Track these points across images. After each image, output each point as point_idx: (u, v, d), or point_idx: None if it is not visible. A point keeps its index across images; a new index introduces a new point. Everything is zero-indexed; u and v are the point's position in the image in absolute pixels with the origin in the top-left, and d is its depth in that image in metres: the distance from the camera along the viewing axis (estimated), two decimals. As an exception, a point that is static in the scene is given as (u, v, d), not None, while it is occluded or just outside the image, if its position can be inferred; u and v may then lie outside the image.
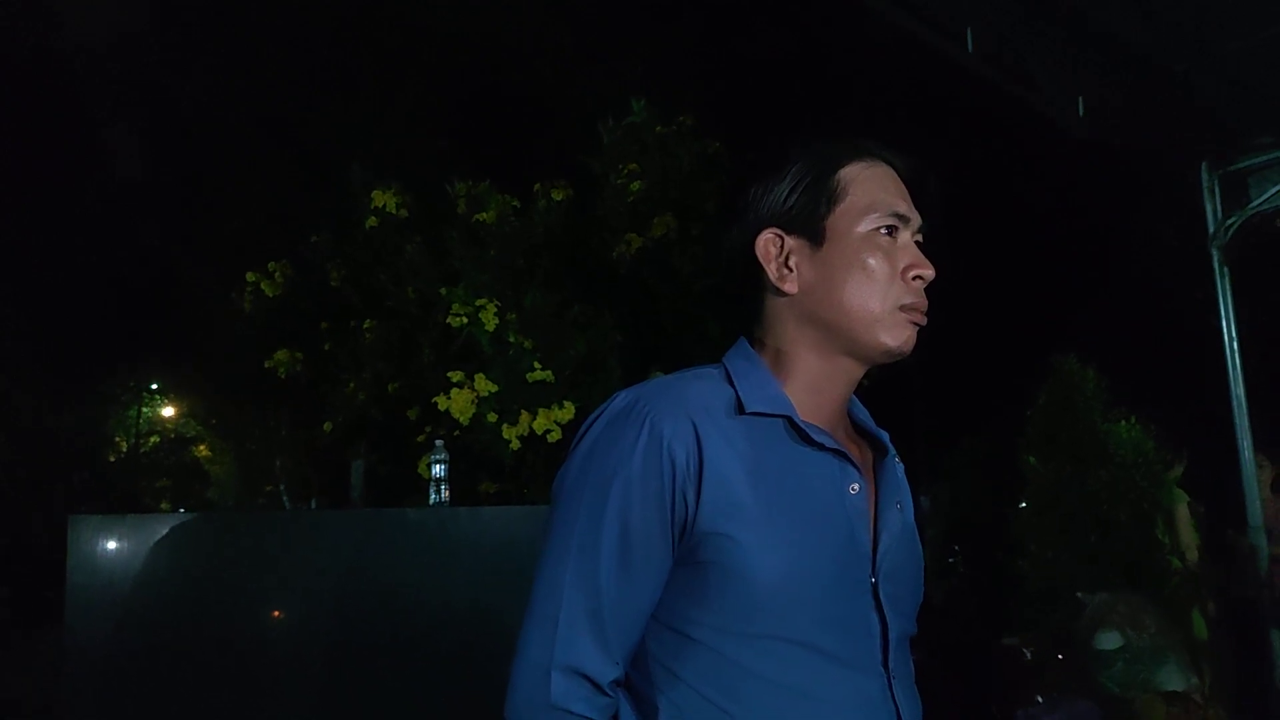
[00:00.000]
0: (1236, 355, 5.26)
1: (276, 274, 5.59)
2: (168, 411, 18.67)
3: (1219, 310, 5.27)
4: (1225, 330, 5.28)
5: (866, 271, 1.21)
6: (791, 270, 1.24)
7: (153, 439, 18.73)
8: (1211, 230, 5.23)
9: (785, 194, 1.24)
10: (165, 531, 2.68)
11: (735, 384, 1.22)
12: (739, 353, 1.28)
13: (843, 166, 1.24)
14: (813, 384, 1.24)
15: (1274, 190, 5.04)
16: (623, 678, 1.17)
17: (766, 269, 1.24)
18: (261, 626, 2.82)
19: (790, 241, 1.24)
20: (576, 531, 1.15)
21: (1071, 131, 4.60)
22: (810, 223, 1.23)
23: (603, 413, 1.20)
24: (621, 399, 1.20)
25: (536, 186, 5.25)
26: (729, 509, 1.13)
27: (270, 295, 5.59)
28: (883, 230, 1.22)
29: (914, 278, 1.23)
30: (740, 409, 1.19)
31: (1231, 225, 5.17)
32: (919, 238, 1.26)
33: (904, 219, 1.24)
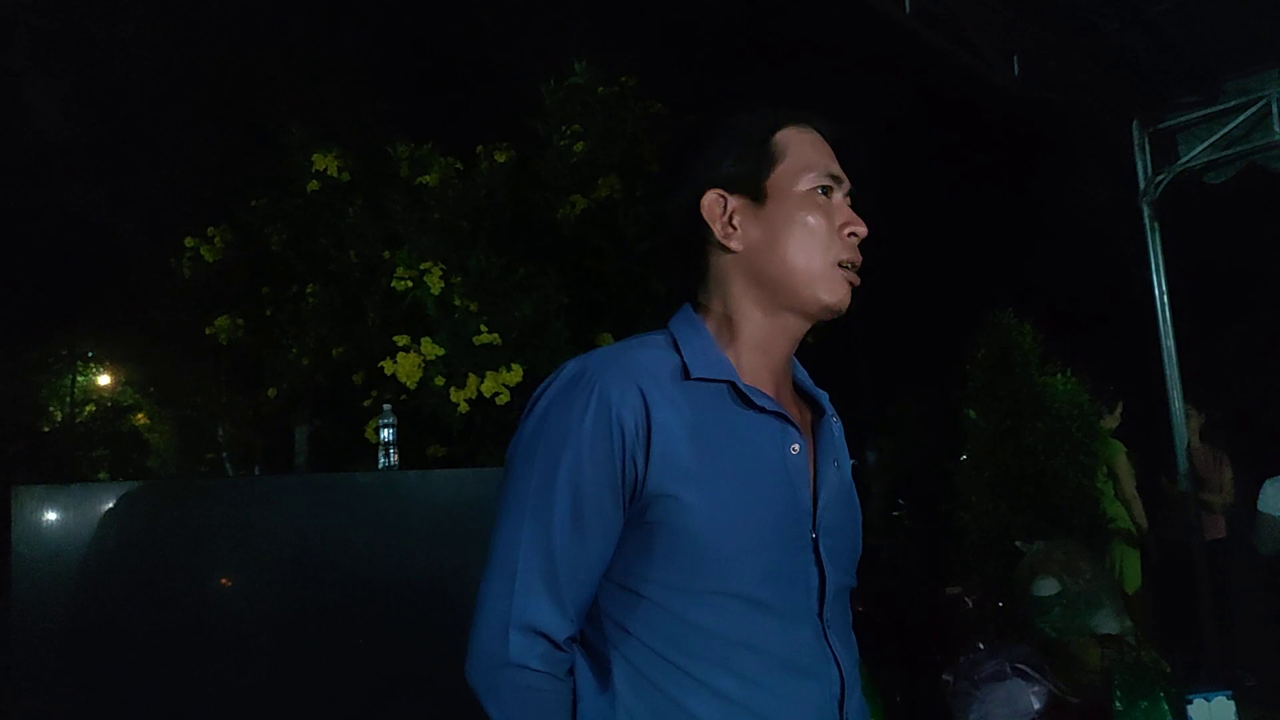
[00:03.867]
0: (1166, 308, 5.43)
1: (216, 239, 5.48)
2: (104, 380, 18.26)
3: (1149, 264, 5.42)
4: (1155, 284, 5.43)
5: (807, 228, 1.27)
6: (736, 229, 1.29)
7: (88, 408, 18.31)
8: (1142, 186, 5.37)
9: (726, 157, 1.30)
10: (112, 501, 2.65)
11: (680, 350, 1.26)
12: (683, 319, 1.32)
13: (779, 129, 1.31)
14: (758, 343, 1.29)
15: (1202, 147, 5.18)
16: (577, 634, 1.23)
17: (712, 227, 1.29)
18: (213, 594, 2.81)
19: (733, 201, 1.29)
20: (530, 496, 1.19)
21: (1007, 90, 4.67)
22: (752, 182, 1.29)
23: (553, 381, 1.24)
24: (571, 367, 1.24)
25: (479, 148, 5.20)
26: (676, 471, 1.18)
27: (210, 261, 5.49)
28: (819, 189, 1.29)
29: (849, 234, 1.29)
30: (685, 374, 1.24)
31: (1161, 181, 5.31)
32: (849, 200, 1.33)
33: (838, 180, 1.31)
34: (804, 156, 1.29)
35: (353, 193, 5.16)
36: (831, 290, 1.27)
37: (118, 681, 2.58)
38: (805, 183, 1.28)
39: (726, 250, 1.29)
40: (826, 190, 1.29)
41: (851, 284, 1.30)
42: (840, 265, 1.28)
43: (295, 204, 5.36)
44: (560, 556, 1.18)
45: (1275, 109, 4.91)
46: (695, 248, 1.32)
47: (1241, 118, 5.04)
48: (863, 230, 1.30)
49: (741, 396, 1.25)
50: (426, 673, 2.85)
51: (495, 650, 1.18)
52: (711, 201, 1.29)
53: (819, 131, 1.34)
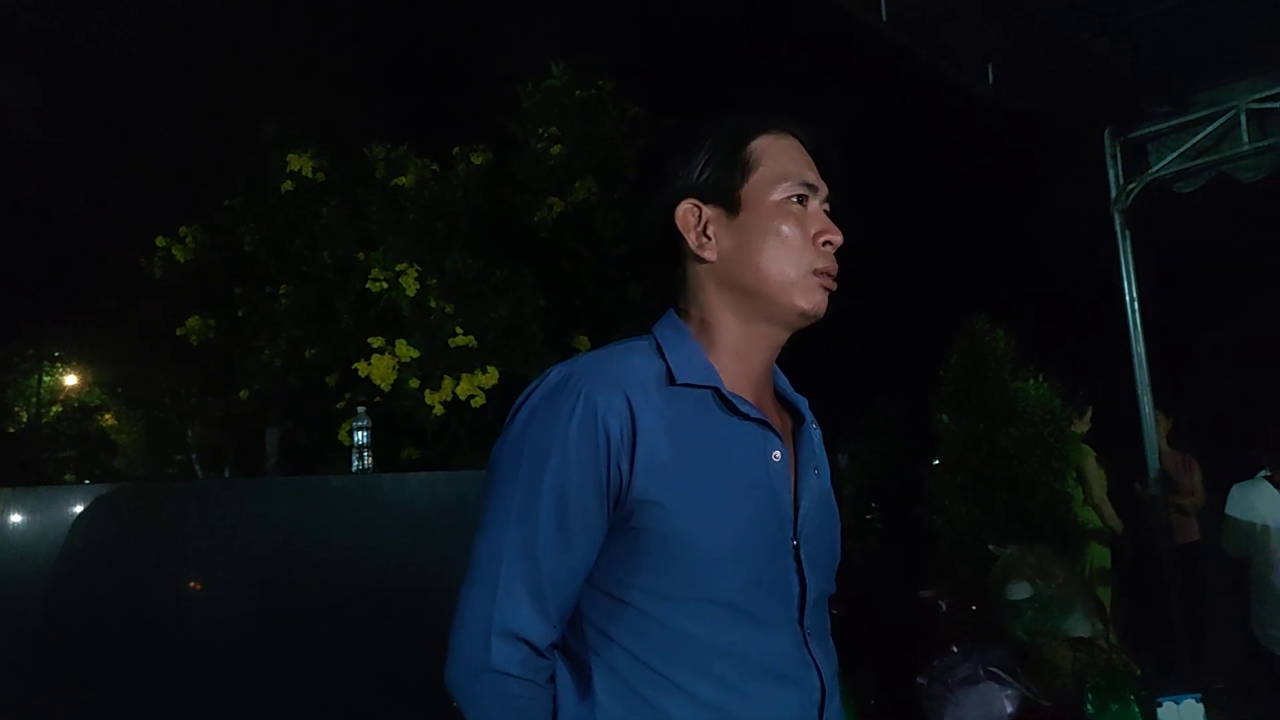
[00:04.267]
0: (1137, 315, 5.48)
1: (188, 238, 5.43)
2: (70, 380, 18.03)
3: (1121, 271, 5.48)
4: (1127, 291, 5.49)
5: (780, 237, 1.27)
6: (710, 239, 1.29)
7: (55, 409, 18.07)
8: (1114, 195, 5.43)
9: (700, 167, 1.30)
10: (80, 504, 2.62)
11: (665, 356, 1.26)
12: (668, 324, 1.32)
13: (754, 139, 1.30)
14: (736, 350, 1.30)
15: (1172, 157, 5.24)
16: (559, 640, 1.22)
17: (686, 238, 1.29)
18: (184, 598, 2.78)
19: (708, 211, 1.29)
20: (514, 501, 1.19)
21: (981, 98, 4.70)
22: (726, 193, 1.29)
23: (538, 386, 1.24)
24: (557, 373, 1.24)
25: (456, 150, 5.19)
26: (660, 478, 1.18)
27: (182, 260, 5.44)
28: (794, 199, 1.29)
29: (824, 243, 1.29)
30: (670, 380, 1.24)
31: (1132, 190, 5.37)
32: (826, 206, 1.32)
33: (813, 188, 1.31)
34: (778, 165, 1.29)
35: (328, 193, 5.13)
36: (807, 297, 1.28)
37: (87, 686, 2.55)
38: (779, 192, 1.28)
39: (701, 260, 1.29)
40: (802, 199, 1.29)
41: (827, 289, 1.30)
42: (815, 273, 1.28)
43: (269, 204, 5.32)
44: (544, 562, 1.18)
45: (1244, 120, 4.98)
46: (672, 257, 1.32)
47: (1211, 128, 5.10)
48: (838, 239, 1.30)
49: (725, 403, 1.25)
50: (403, 677, 2.83)
51: (476, 656, 1.17)
52: (685, 212, 1.29)
53: (797, 138, 1.34)
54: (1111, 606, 5.27)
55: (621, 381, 1.20)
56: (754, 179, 1.28)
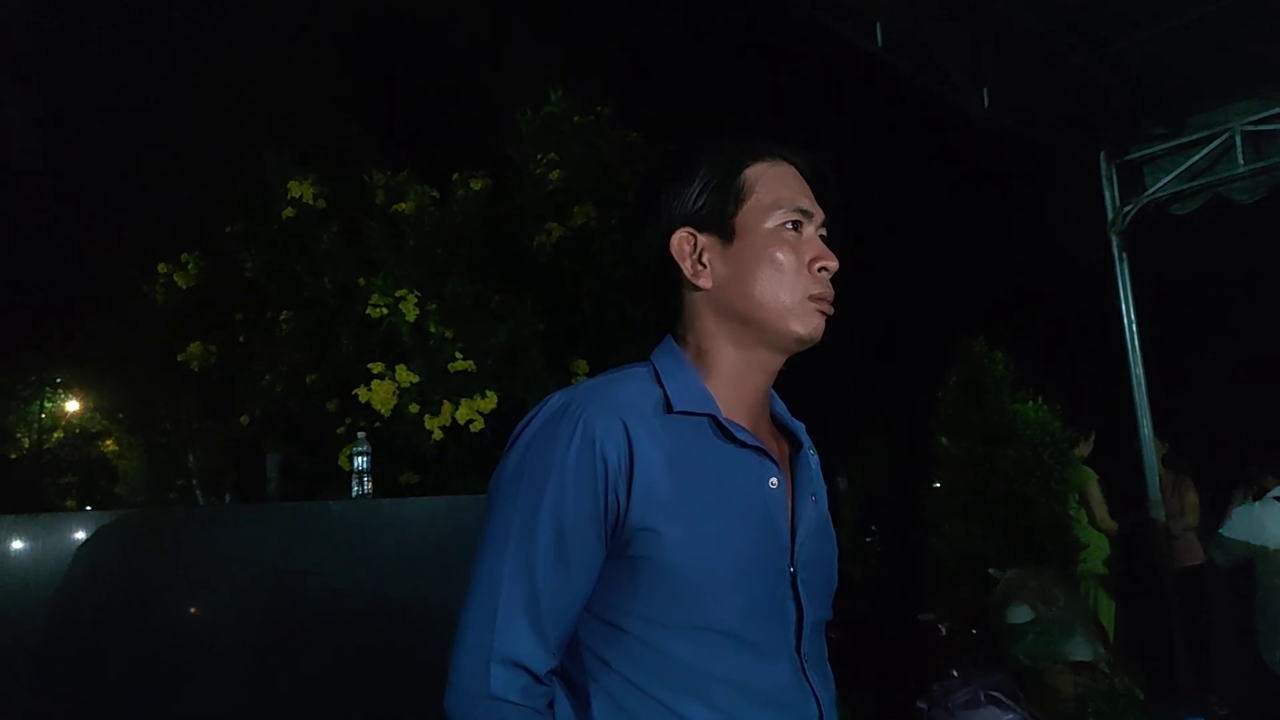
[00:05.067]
0: (1135, 337, 5.49)
1: (189, 265, 5.46)
2: (72, 406, 18.01)
3: (1119, 293, 5.49)
4: (1125, 313, 5.50)
5: (775, 265, 1.27)
6: (705, 266, 1.30)
7: (56, 434, 18.05)
8: (1110, 217, 5.45)
9: (695, 195, 1.30)
10: (82, 530, 2.62)
11: (663, 383, 1.27)
12: (665, 351, 1.33)
13: (747, 166, 1.31)
14: (733, 377, 1.30)
15: (1168, 179, 5.27)
16: (558, 667, 1.22)
17: (682, 266, 1.30)
18: (185, 625, 2.78)
19: (702, 239, 1.30)
20: (513, 528, 1.19)
21: (978, 121, 4.73)
22: (720, 221, 1.29)
23: (537, 414, 1.24)
24: (556, 400, 1.24)
25: (455, 176, 5.22)
26: (658, 505, 1.18)
27: (183, 287, 5.47)
28: (788, 225, 1.29)
29: (819, 269, 1.29)
30: (668, 408, 1.24)
31: (1129, 212, 5.39)
32: (823, 231, 1.33)
33: (808, 214, 1.31)
34: (773, 192, 1.30)
35: (328, 220, 5.15)
36: (803, 322, 1.28)
37: (89, 713, 2.54)
38: (774, 219, 1.28)
39: (697, 288, 1.30)
40: (797, 225, 1.29)
41: (824, 314, 1.30)
42: (811, 299, 1.29)
43: (270, 230, 5.34)
44: (543, 589, 1.18)
45: (1239, 141, 5.01)
46: (668, 284, 1.33)
47: (1206, 150, 5.13)
48: (833, 264, 1.30)
49: (722, 430, 1.26)
50: (401, 702, 2.82)
51: (476, 683, 1.17)
52: (680, 240, 1.30)
53: (792, 164, 1.34)
54: (1114, 630, 5.25)
55: (619, 409, 1.21)
56: (748, 206, 1.29)
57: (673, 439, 1.22)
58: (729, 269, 1.29)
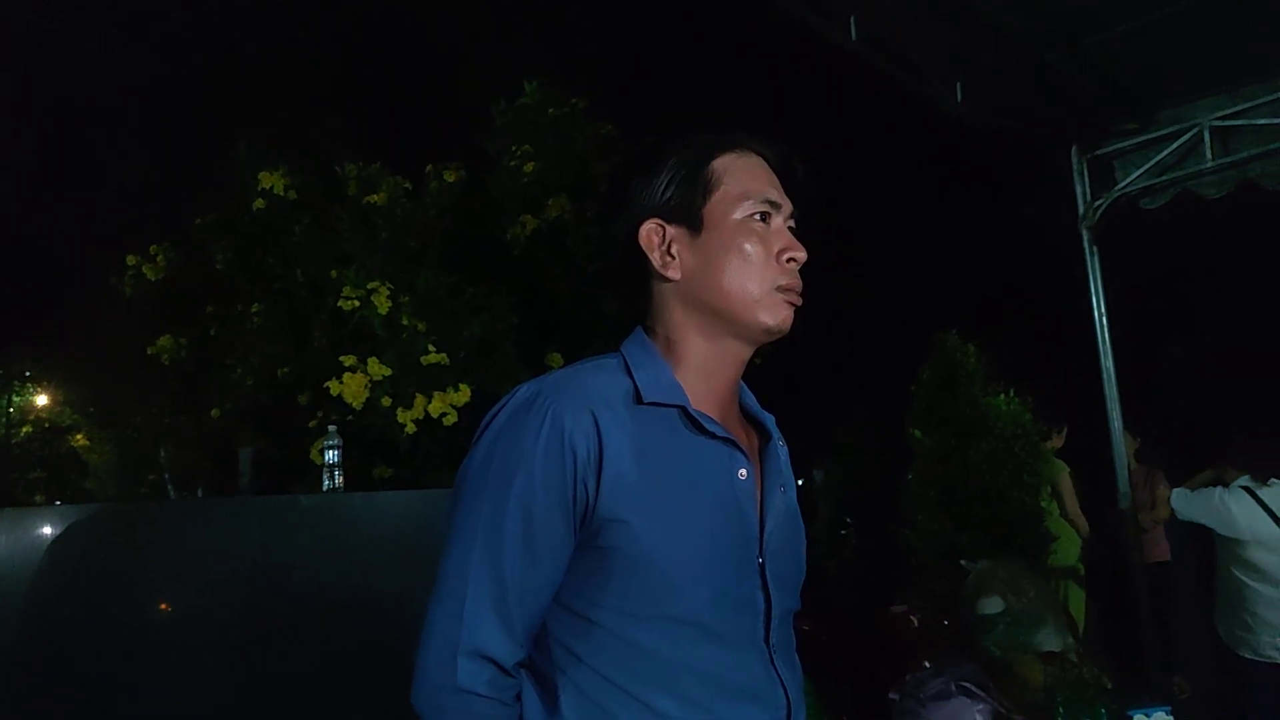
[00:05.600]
0: (1106, 330, 5.53)
1: (159, 257, 5.41)
2: (41, 400, 17.81)
3: (1089, 287, 5.53)
4: (1095, 306, 5.54)
5: (743, 256, 1.28)
6: (674, 258, 1.30)
7: (25, 429, 17.85)
8: (1081, 211, 5.48)
9: (663, 186, 1.30)
10: (51, 525, 2.59)
11: (633, 374, 1.27)
12: (635, 342, 1.33)
13: (716, 158, 1.31)
14: (702, 367, 1.30)
15: (1137, 173, 5.31)
16: (525, 659, 1.22)
17: (650, 257, 1.30)
18: (155, 619, 2.76)
19: (671, 230, 1.30)
20: (481, 519, 1.19)
21: (951, 115, 4.75)
22: (688, 212, 1.30)
23: (506, 404, 1.24)
24: (524, 391, 1.24)
25: (429, 168, 5.19)
26: (627, 496, 1.18)
27: (153, 279, 5.42)
28: (756, 216, 1.29)
29: (787, 260, 1.30)
30: (638, 399, 1.24)
31: (1099, 206, 5.43)
32: (792, 223, 1.33)
33: (776, 205, 1.31)
34: (741, 183, 1.30)
35: (300, 211, 5.12)
36: (772, 313, 1.28)
37: (58, 710, 2.52)
38: (742, 210, 1.29)
39: (666, 279, 1.30)
40: (765, 216, 1.30)
41: (792, 305, 1.30)
42: (779, 290, 1.29)
43: (241, 222, 5.30)
44: (510, 581, 1.18)
45: (1207, 137, 5.05)
46: (638, 276, 1.33)
47: (1175, 145, 5.17)
48: (801, 255, 1.31)
49: (692, 421, 1.26)
50: (372, 697, 2.81)
51: (443, 676, 1.17)
52: (649, 231, 1.30)
53: (761, 155, 1.34)
54: (1084, 622, 5.30)
55: (589, 400, 1.21)
56: (716, 197, 1.29)
57: (642, 430, 1.22)
58: (697, 260, 1.29)
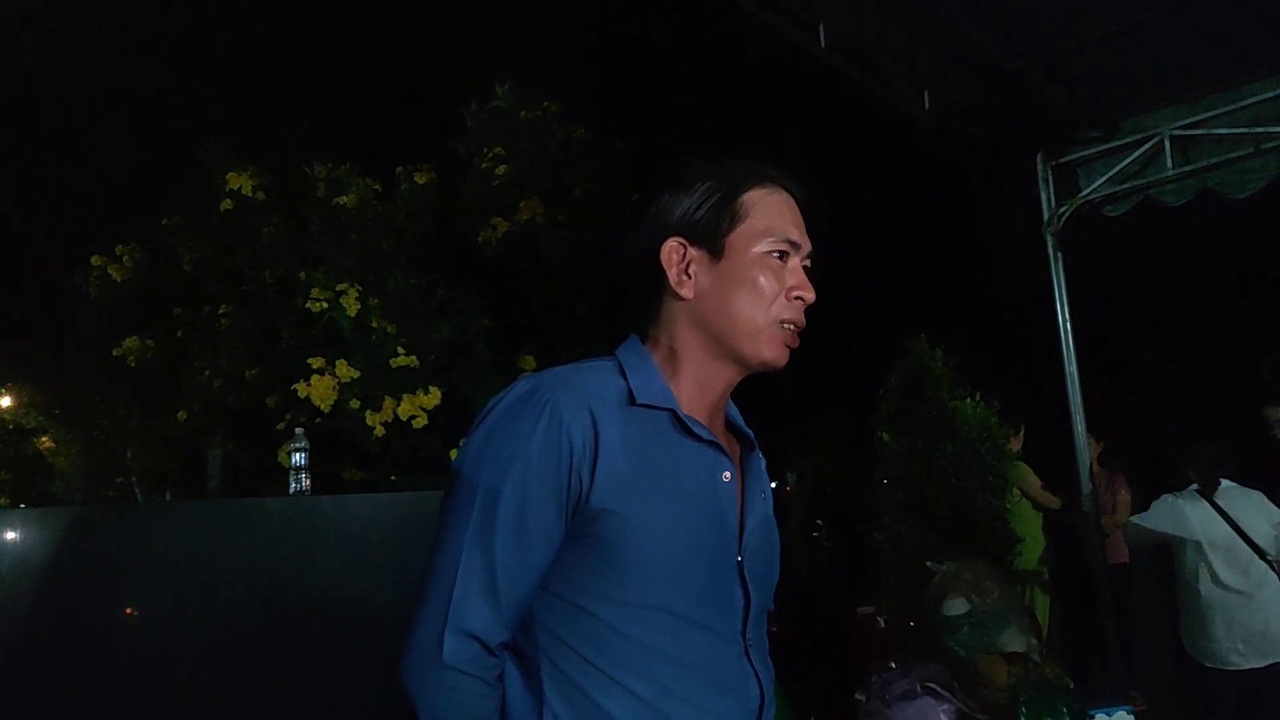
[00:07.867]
0: (1069, 335, 5.61)
1: (125, 257, 5.37)
2: (5, 401, 17.56)
3: (1054, 292, 5.60)
4: (1060, 311, 5.61)
5: (756, 288, 1.34)
6: (690, 277, 1.35)
7: (-12, 431, 17.58)
8: (1046, 218, 5.56)
9: (693, 208, 1.36)
10: (16, 528, 2.58)
11: (627, 377, 1.32)
12: (631, 349, 1.38)
13: (747, 190, 1.37)
14: (695, 381, 1.36)
15: (1101, 181, 5.39)
16: (510, 641, 1.27)
17: (668, 273, 1.36)
18: (121, 623, 2.74)
19: (692, 251, 1.36)
20: (476, 505, 1.24)
21: (919, 123, 4.80)
22: (712, 237, 1.35)
23: (505, 396, 1.30)
24: (523, 385, 1.29)
25: (399, 169, 5.18)
26: (618, 489, 1.24)
27: (119, 280, 5.37)
28: (775, 254, 1.35)
29: (795, 297, 1.35)
30: (631, 400, 1.30)
31: (1064, 213, 5.51)
32: (807, 263, 1.39)
33: (795, 245, 1.37)
34: (766, 219, 1.35)
35: (269, 212, 5.09)
36: (771, 347, 1.34)
37: (24, 713, 2.50)
38: (763, 245, 1.34)
39: (678, 296, 1.35)
40: (783, 255, 1.35)
41: (789, 345, 1.36)
42: (782, 324, 1.34)
43: (209, 223, 5.27)
44: (501, 564, 1.23)
45: (1168, 145, 5.14)
46: (650, 286, 1.38)
47: (1137, 153, 5.25)
48: (810, 296, 1.36)
49: (681, 425, 1.32)
50: (341, 699, 2.81)
51: (430, 651, 1.21)
52: (671, 249, 1.35)
53: (790, 192, 1.40)
54: (1047, 623, 5.36)
55: (587, 397, 1.26)
56: (741, 228, 1.35)
57: (634, 429, 1.28)
58: (712, 284, 1.34)
